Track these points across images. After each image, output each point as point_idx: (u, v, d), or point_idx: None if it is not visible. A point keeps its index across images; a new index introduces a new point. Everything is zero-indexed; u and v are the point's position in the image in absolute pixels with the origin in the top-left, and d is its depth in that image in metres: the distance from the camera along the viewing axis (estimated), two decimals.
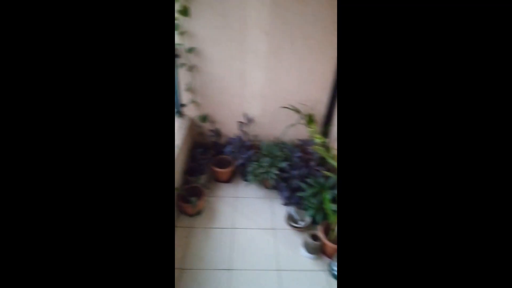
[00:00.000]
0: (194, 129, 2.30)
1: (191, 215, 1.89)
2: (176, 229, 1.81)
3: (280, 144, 2.13)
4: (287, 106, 2.08)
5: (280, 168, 1.95)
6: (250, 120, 2.20)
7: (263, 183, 2.13)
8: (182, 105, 2.15)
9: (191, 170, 2.10)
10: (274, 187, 2.07)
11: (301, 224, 1.83)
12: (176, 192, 1.83)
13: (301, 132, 2.20)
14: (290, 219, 1.89)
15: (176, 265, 1.59)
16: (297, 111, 2.05)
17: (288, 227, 1.86)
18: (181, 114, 2.19)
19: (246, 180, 2.16)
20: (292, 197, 1.92)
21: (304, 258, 1.68)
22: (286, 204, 1.97)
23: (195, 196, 1.81)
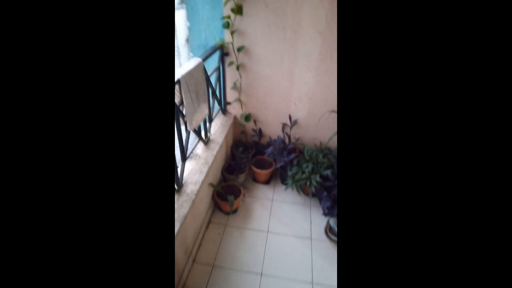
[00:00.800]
0: (236, 127, 2.30)
1: (226, 213, 1.88)
2: (211, 224, 1.81)
3: (324, 150, 2.01)
4: (336, 111, 1.96)
5: (323, 175, 1.83)
6: (294, 123, 2.12)
7: (302, 189, 2.02)
8: (227, 103, 2.17)
9: (230, 168, 2.09)
10: (314, 195, 1.96)
11: None
12: (214, 189, 1.83)
13: None
14: (330, 231, 1.75)
15: (208, 261, 1.58)
16: None
17: (326, 239, 1.73)
18: (224, 112, 2.21)
19: (284, 184, 2.08)
20: (334, 208, 1.79)
21: None
22: (326, 214, 1.84)
23: (232, 194, 1.79)
